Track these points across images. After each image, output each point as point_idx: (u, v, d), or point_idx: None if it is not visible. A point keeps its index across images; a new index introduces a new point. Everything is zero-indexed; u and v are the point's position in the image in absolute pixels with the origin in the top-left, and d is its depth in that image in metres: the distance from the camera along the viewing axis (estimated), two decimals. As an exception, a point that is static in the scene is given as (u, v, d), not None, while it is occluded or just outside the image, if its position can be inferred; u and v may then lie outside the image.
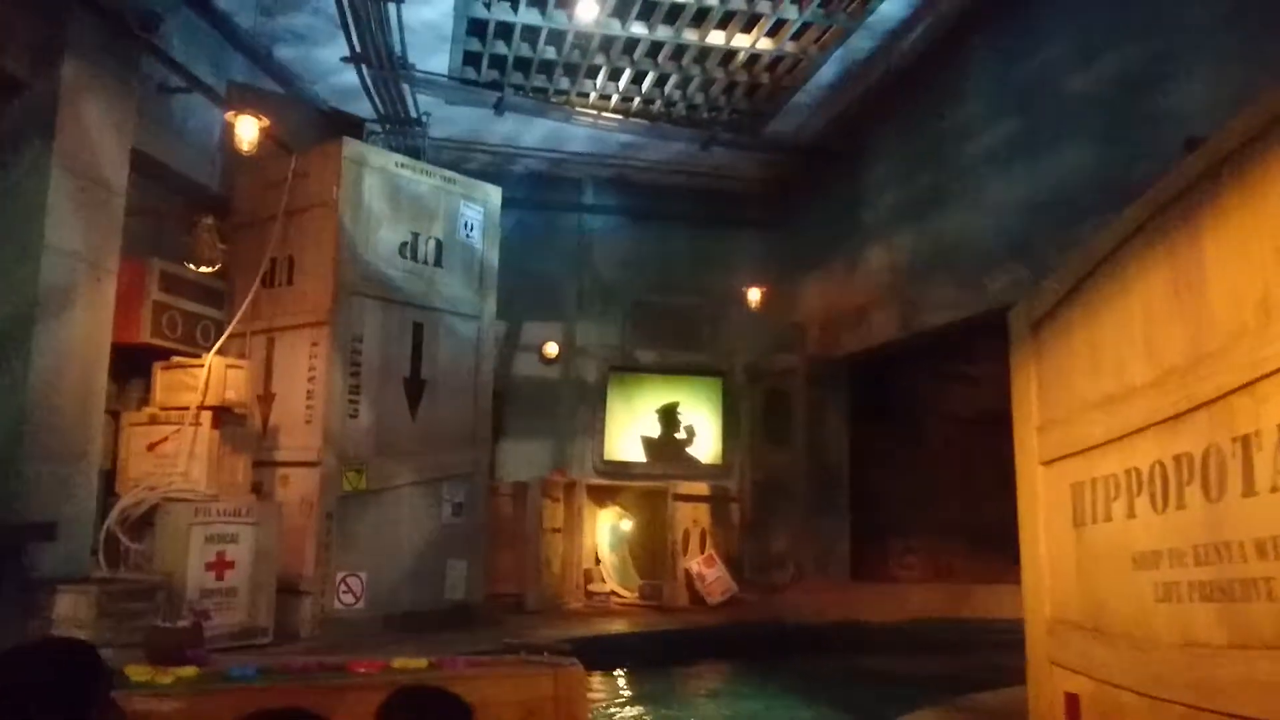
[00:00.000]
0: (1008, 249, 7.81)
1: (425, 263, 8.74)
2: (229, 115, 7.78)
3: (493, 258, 9.33)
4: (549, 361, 12.94)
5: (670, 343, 13.32)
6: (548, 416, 12.81)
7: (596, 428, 12.94)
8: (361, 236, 8.22)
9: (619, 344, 13.23)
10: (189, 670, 3.25)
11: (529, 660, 3.57)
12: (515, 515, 11.29)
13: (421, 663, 3.51)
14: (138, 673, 3.23)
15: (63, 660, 1.88)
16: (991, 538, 12.80)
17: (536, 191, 13.07)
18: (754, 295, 12.13)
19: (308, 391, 8.00)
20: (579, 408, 12.95)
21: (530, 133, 11.75)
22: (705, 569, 10.80)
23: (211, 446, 7.20)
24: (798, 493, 11.46)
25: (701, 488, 11.50)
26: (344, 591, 7.85)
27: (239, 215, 8.71)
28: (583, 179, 13.33)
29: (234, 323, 7.84)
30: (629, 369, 13.27)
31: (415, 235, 8.68)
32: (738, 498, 12.61)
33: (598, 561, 11.12)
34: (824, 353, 11.31)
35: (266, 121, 7.73)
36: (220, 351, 7.63)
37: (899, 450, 12.46)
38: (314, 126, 9.84)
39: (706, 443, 13.26)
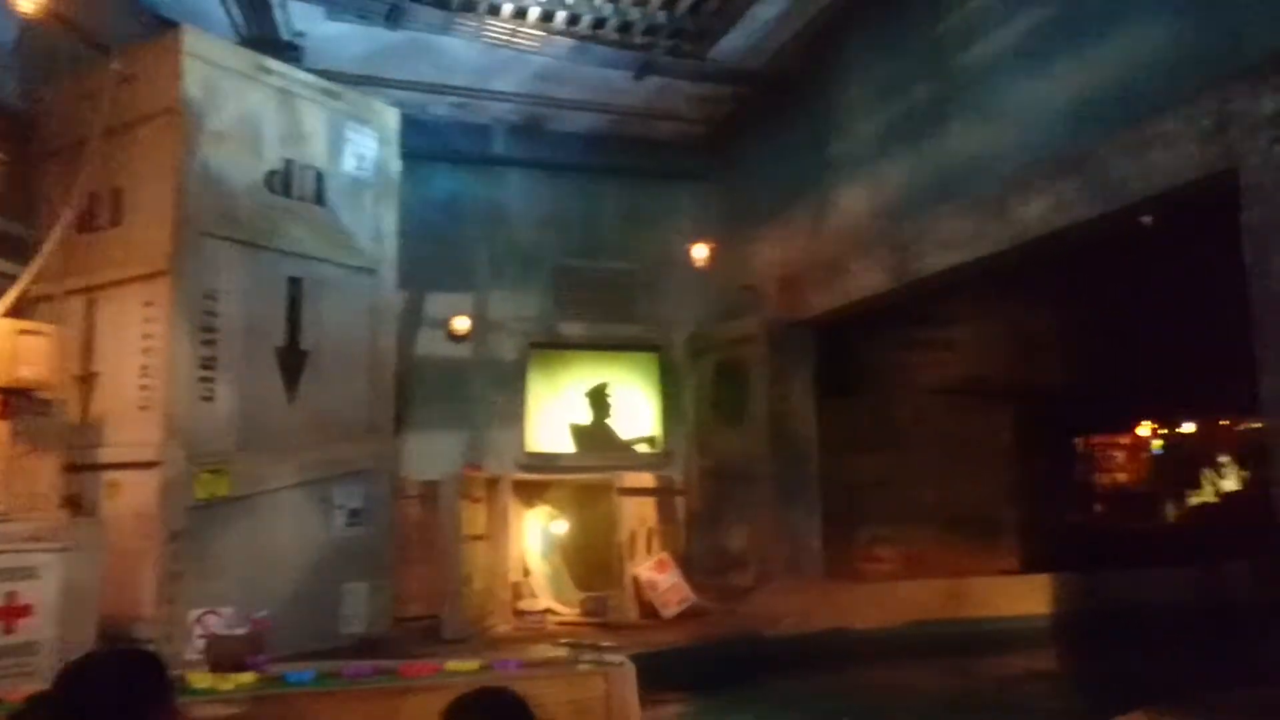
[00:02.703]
0: (1046, 165, 6.27)
1: (302, 199, 6.74)
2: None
3: (391, 196, 7.38)
4: (459, 338, 10.96)
5: (599, 314, 11.51)
6: (459, 403, 10.83)
7: (517, 414, 11.02)
8: (214, 160, 6.16)
9: (540, 316, 11.35)
10: (248, 676, 3.25)
11: (580, 660, 3.54)
12: (426, 521, 9.32)
13: (474, 664, 3.50)
14: (199, 679, 3.30)
15: (127, 668, 1.94)
16: (969, 523, 11.44)
17: (440, 140, 11.07)
18: (700, 253, 10.41)
19: (142, 367, 5.94)
20: (496, 392, 11.01)
21: (430, 65, 9.75)
22: (658, 575, 9.05)
23: (-4, 444, 5.11)
24: (758, 480, 9.79)
25: (647, 479, 9.75)
26: (200, 635, 5.77)
27: (47, 138, 6.54)
28: (493, 125, 11.38)
29: (28, 276, 5.66)
30: (552, 345, 11.40)
31: (288, 163, 6.67)
32: (683, 489, 10.89)
33: (527, 573, 9.24)
34: (787, 316, 9.67)
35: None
36: (15, 316, 5.49)
37: (866, 428, 10.95)
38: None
39: (644, 427, 11.50)
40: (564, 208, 11.60)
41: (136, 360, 5.92)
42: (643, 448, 11.33)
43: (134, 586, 5.58)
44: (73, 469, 5.85)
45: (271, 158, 6.53)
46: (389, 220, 7.35)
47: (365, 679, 3.30)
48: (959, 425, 11.37)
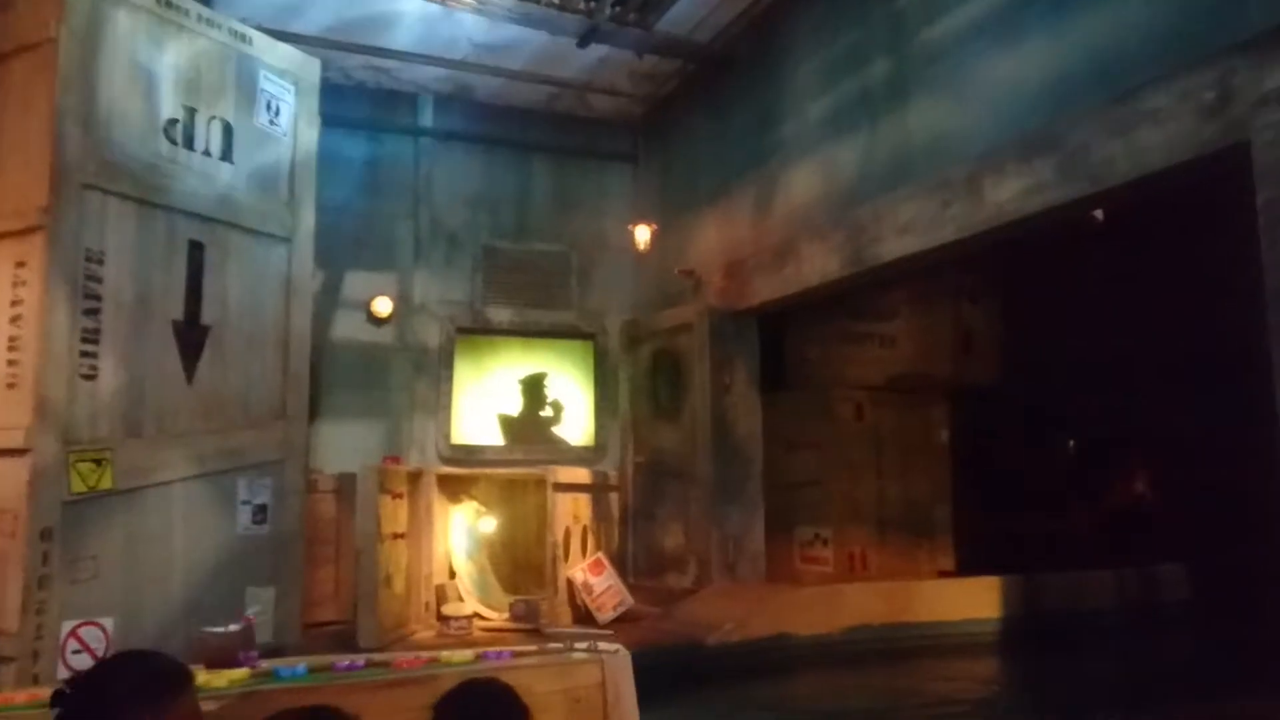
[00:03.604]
0: (1020, 144, 5.88)
1: (207, 153, 5.95)
2: None
3: (309, 157, 6.62)
4: (379, 322, 10.22)
5: (530, 299, 10.89)
6: (378, 390, 10.10)
7: (441, 404, 10.33)
8: (101, 101, 5.35)
9: (467, 300, 10.67)
10: (240, 672, 3.23)
11: (575, 649, 3.45)
12: (339, 518, 8.60)
13: (467, 655, 3.45)
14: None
15: (150, 668, 1.97)
16: (906, 523, 11.15)
17: (361, 107, 10.32)
18: (642, 235, 9.86)
19: (11, 339, 5.10)
20: (418, 379, 10.31)
21: (353, 23, 9.00)
22: (593, 577, 8.46)
23: None
24: (696, 477, 9.29)
25: (582, 475, 9.14)
26: (75, 651, 5.01)
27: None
28: (419, 94, 10.65)
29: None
30: (480, 331, 10.73)
31: (191, 112, 5.87)
32: (617, 485, 10.33)
33: (452, 575, 8.55)
34: (729, 304, 9.17)
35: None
36: None
37: (802, 424, 10.55)
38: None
39: (577, 420, 10.91)
40: (493, 186, 10.95)
41: (4, 331, 5.08)
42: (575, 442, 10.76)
43: (-6, 594, 4.78)
44: (-79, 457, 5.01)
45: (170, 105, 5.73)
46: (307, 184, 6.59)
47: (357, 672, 3.31)
48: (896, 422, 11.07)
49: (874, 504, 10.85)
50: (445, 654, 3.48)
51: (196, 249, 5.80)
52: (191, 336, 5.73)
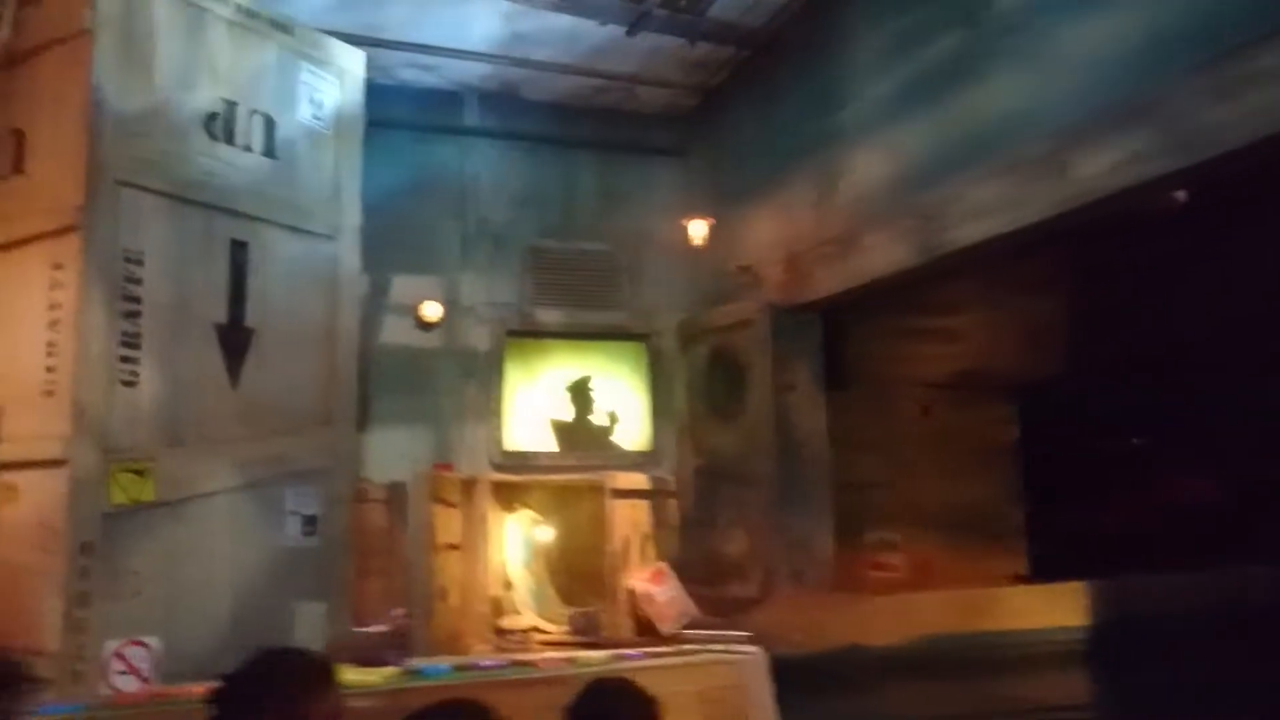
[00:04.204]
0: (1111, 115, 5.43)
1: (248, 148, 5.70)
2: None
3: (354, 153, 6.36)
4: (427, 326, 9.92)
5: (579, 300, 10.53)
6: (426, 396, 9.79)
7: (492, 409, 10.00)
8: (136, 95, 5.11)
9: (516, 302, 10.35)
10: (390, 670, 3.30)
11: (709, 650, 3.43)
12: (391, 528, 8.31)
13: (603, 655, 3.53)
14: (345, 674, 3.09)
15: (301, 662, 2.09)
16: (976, 526, 10.64)
17: (403, 108, 10.02)
18: (698, 231, 9.46)
19: (48, 345, 4.87)
20: (467, 384, 9.99)
21: (392, 19, 8.74)
22: (654, 587, 8.08)
23: None
24: (758, 480, 8.87)
25: (640, 480, 8.76)
26: (119, 671, 4.74)
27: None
28: (463, 92, 10.37)
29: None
30: (529, 334, 10.40)
31: (231, 106, 5.62)
32: (675, 491, 9.93)
33: (508, 586, 8.23)
34: (789, 299, 8.76)
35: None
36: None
37: (865, 424, 10.11)
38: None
39: (631, 423, 10.55)
40: (540, 184, 10.62)
41: (40, 335, 4.86)
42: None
43: (32, 612, 4.53)
44: (-40, 470, 4.79)
45: (210, 98, 5.49)
46: (351, 180, 6.33)
47: (498, 669, 3.37)
48: (963, 421, 10.59)
49: (942, 507, 10.39)
50: (582, 654, 3.60)
51: (238, 248, 5.54)
52: (235, 339, 5.48)
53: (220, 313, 5.46)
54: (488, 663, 3.45)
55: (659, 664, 3.36)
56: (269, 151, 5.78)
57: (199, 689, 2.96)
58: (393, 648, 3.65)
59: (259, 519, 5.58)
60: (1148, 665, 7.86)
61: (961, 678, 7.66)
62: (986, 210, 6.35)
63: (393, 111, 9.74)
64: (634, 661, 3.39)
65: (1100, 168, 5.50)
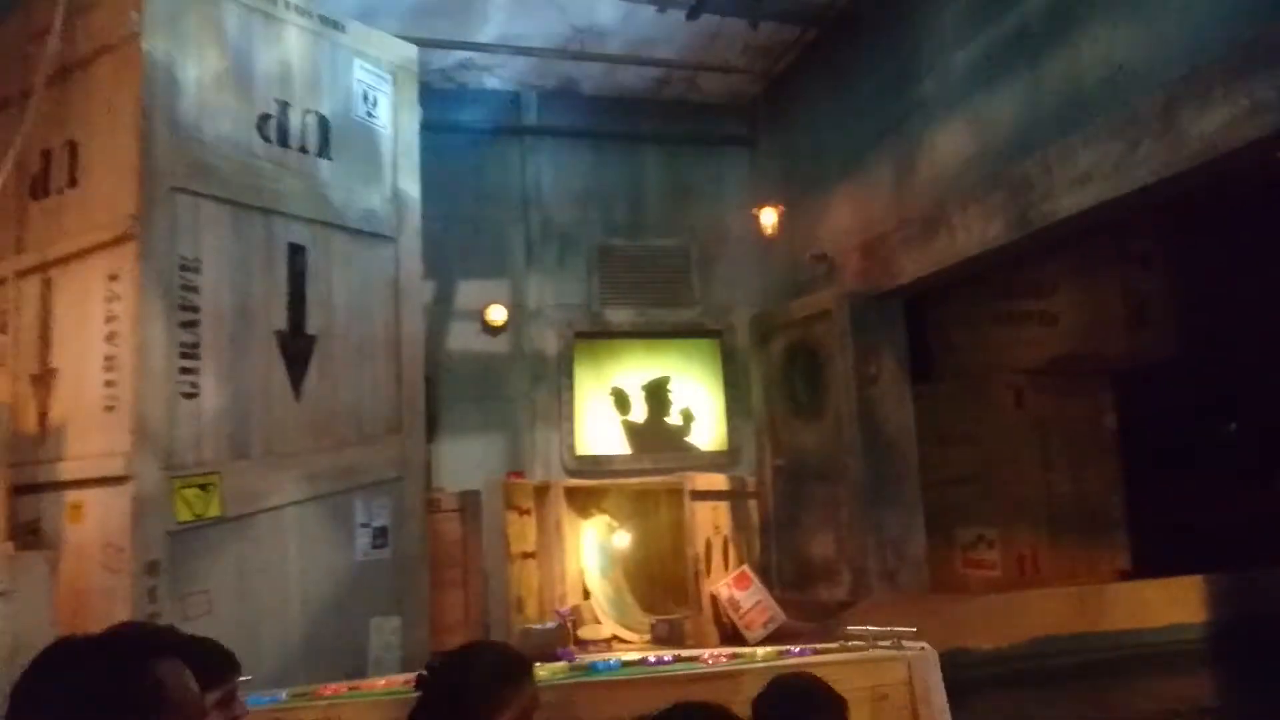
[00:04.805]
0: (1228, 62, 4.92)
1: (304, 150, 5.51)
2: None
3: (411, 150, 6.14)
4: (494, 330, 9.75)
5: (649, 298, 10.25)
6: (496, 402, 9.61)
7: (563, 413, 9.77)
8: (188, 97, 4.94)
9: (584, 303, 10.10)
10: (560, 665, 3.40)
11: (878, 646, 3.34)
12: (465, 538, 8.06)
13: (773, 651, 3.48)
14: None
15: (504, 655, 2.22)
16: (1077, 520, 10.02)
17: (461, 109, 9.88)
18: (769, 219, 9.10)
19: (107, 359, 4.71)
20: (537, 389, 9.78)
21: (443, 15, 8.54)
22: (739, 592, 7.73)
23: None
24: (845, 478, 8.45)
25: (719, 481, 8.44)
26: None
27: (-10, 90, 5.37)
28: (521, 91, 10.16)
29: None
30: (599, 335, 10.15)
31: (284, 107, 5.43)
32: (756, 491, 9.56)
33: (587, 595, 7.94)
34: (870, 287, 8.33)
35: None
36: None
37: (956, 415, 9.60)
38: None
39: (706, 423, 10.21)
40: (604, 181, 10.37)
41: (99, 349, 4.71)
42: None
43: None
44: (26, 490, 4.66)
45: (262, 99, 5.31)
46: (410, 179, 6.11)
47: (666, 665, 3.43)
48: (1061, 409, 9.98)
49: (1041, 500, 9.82)
50: (748, 650, 3.52)
51: (297, 253, 5.35)
52: (297, 347, 5.28)
53: (281, 320, 5.27)
54: (655, 659, 3.44)
55: (828, 659, 3.25)
56: (324, 151, 5.59)
57: (400, 679, 3.23)
58: (560, 643, 3.63)
59: (329, 532, 5.37)
60: (1275, 663, 7.24)
61: (1076, 681, 7.14)
62: (1090, 176, 5.86)
63: (452, 114, 9.61)
64: (802, 657, 3.32)
65: (1219, 122, 4.99)
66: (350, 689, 3.31)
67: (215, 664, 2.05)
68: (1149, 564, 9.74)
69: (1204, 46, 5.13)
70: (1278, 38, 4.72)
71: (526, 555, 7.20)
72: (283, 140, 5.40)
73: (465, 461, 9.03)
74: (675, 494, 7.78)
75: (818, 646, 3.42)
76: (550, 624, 3.57)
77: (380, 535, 5.65)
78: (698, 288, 10.34)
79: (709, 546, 7.79)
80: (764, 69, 9.82)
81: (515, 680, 2.13)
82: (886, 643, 3.33)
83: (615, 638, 7.49)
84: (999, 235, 6.72)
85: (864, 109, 8.54)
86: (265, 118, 5.32)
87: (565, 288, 10.06)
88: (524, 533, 7.23)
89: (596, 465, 9.59)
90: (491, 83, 9.94)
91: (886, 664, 3.29)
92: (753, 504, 9.50)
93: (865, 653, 3.29)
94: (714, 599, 7.66)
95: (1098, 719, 6.65)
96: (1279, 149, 4.91)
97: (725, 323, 10.30)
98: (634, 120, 10.34)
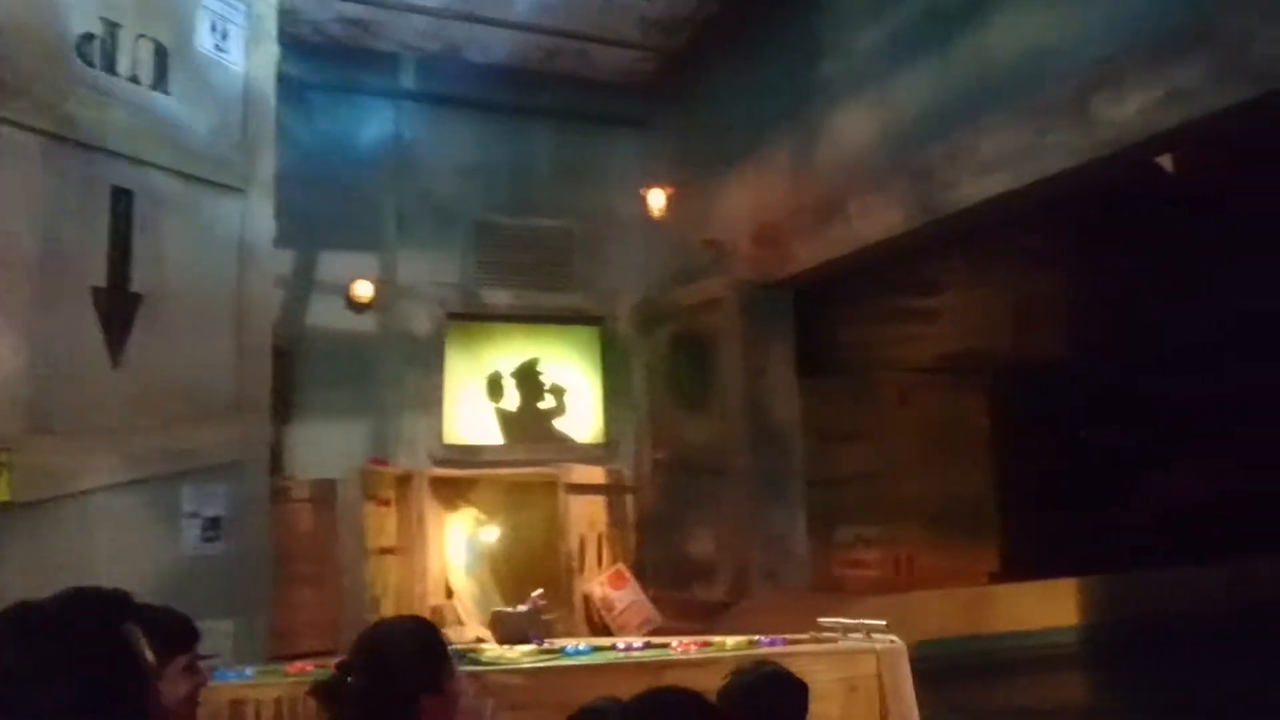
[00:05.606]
0: (1147, 47, 4.75)
1: (134, 80, 4.76)
2: None
3: (266, 91, 5.44)
4: (360, 307, 9.03)
5: (530, 280, 9.71)
6: (361, 384, 8.89)
7: (433, 398, 9.12)
8: (-12, 5, 4.15)
9: (459, 282, 9.48)
10: (529, 648, 3.52)
11: (850, 639, 3.42)
12: (318, 531, 7.40)
13: (743, 640, 3.50)
14: (488, 651, 3.68)
15: (420, 635, 2.12)
16: (951, 521, 9.99)
17: (333, 69, 9.09)
18: (657, 200, 8.68)
19: None
20: (406, 371, 9.10)
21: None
22: (613, 591, 7.31)
23: None
24: (729, 474, 8.13)
25: (597, 474, 8.00)
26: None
27: None
28: (401, 53, 9.45)
29: None
30: (474, 316, 9.57)
31: (112, 28, 4.67)
32: (634, 486, 9.15)
33: (451, 594, 7.35)
34: (762, 275, 8.02)
35: None
36: None
37: (841, 412, 9.41)
38: None
39: (585, 414, 9.73)
40: (487, 155, 9.76)
41: None
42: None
43: None
44: None
45: (84, 17, 4.54)
46: (263, 125, 5.41)
47: (638, 652, 3.42)
48: (943, 408, 9.93)
49: (920, 500, 9.73)
50: (718, 639, 3.57)
51: (123, 197, 4.61)
52: (117, 306, 4.55)
53: (100, 274, 4.52)
54: (625, 644, 3.50)
55: (799, 650, 3.30)
56: (160, 85, 4.84)
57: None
58: (531, 627, 3.69)
59: (149, 523, 4.66)
60: (1146, 664, 7.27)
61: (959, 683, 6.99)
62: (998, 164, 5.66)
63: (324, 72, 8.83)
64: (773, 647, 3.38)
65: (1135, 108, 4.82)
66: (318, 665, 3.34)
67: (180, 631, 2.05)
68: (1018, 567, 9.80)
69: (1121, 33, 4.96)
70: (1195, 25, 4.55)
71: (386, 550, 6.59)
72: (109, 67, 4.64)
73: (324, 448, 8.31)
74: (549, 487, 7.29)
75: (791, 637, 3.46)
76: (523, 607, 3.74)
77: (213, 526, 4.96)
78: (581, 272, 9.86)
79: (583, 543, 7.35)
80: (660, 45, 9.40)
81: (440, 669, 2.04)
82: (859, 635, 3.37)
83: (480, 640, 6.93)
84: (898, 224, 6.49)
85: (763, 90, 8.22)
86: (88, 38, 4.56)
87: (440, 265, 9.43)
88: (384, 526, 6.62)
89: (467, 455, 8.99)
90: (370, 42, 9.21)
91: (857, 657, 3.33)
92: (630, 499, 9.10)
93: (838, 645, 3.35)
94: (587, 598, 7.19)
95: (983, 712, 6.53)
96: (1192, 139, 4.76)
97: (608, 309, 9.85)
98: (522, 92, 9.76)
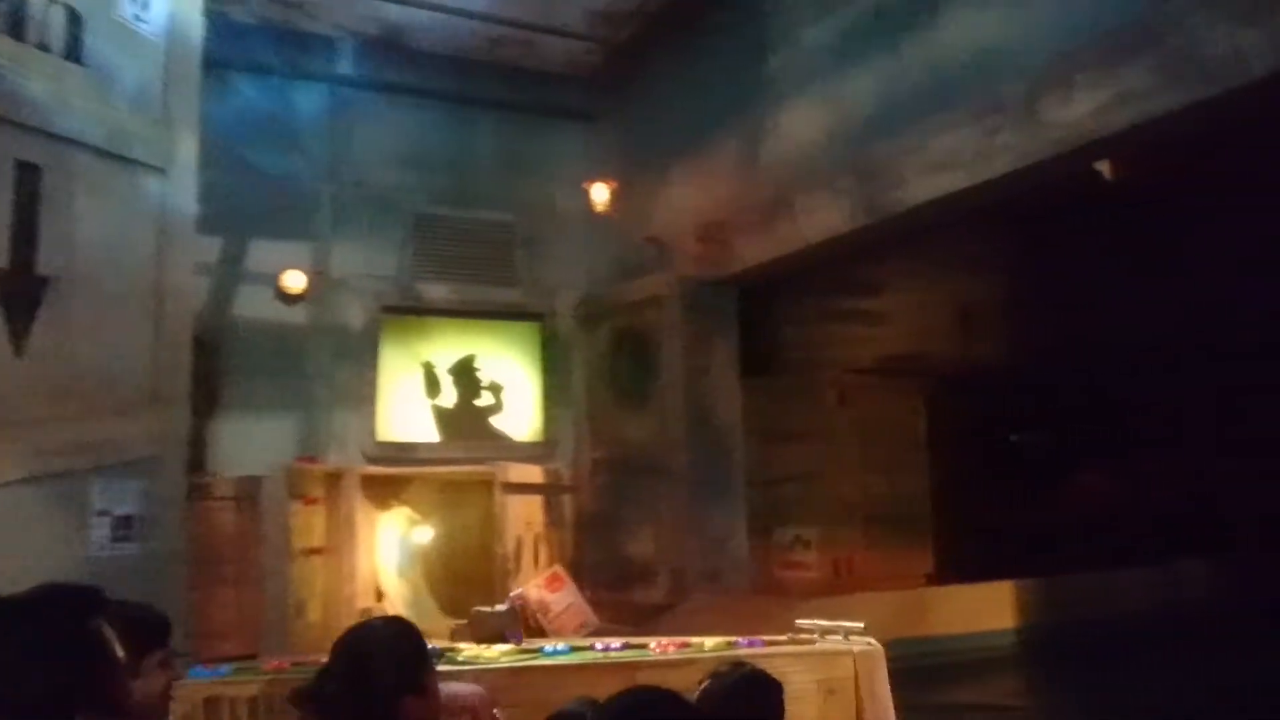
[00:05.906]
0: (1098, 49, 4.72)
1: (44, 47, 4.45)
2: None
3: (190, 65, 5.15)
4: (291, 298, 8.71)
5: (469, 274, 9.47)
6: (290, 379, 8.57)
7: (366, 394, 8.83)
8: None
9: (395, 275, 9.21)
10: (507, 647, 3.49)
11: (828, 641, 3.42)
12: (242, 530, 7.08)
13: (721, 641, 3.50)
14: (464, 651, 3.58)
15: (400, 637, 2.09)
16: (893, 522, 10.04)
17: (266, 50, 8.73)
18: (600, 195, 8.52)
19: None
20: (338, 366, 8.80)
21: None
22: (549, 594, 7.05)
23: None
24: (669, 473, 7.99)
25: (534, 474, 7.80)
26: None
27: None
28: (337, 36, 9.13)
29: None
30: (410, 310, 9.30)
31: (21, -8, 4.35)
32: (572, 485, 8.97)
33: (381, 597, 7.10)
34: (705, 272, 7.90)
35: None
36: None
37: (783, 413, 9.38)
38: None
39: (523, 412, 9.51)
40: (427, 145, 9.50)
41: None
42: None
43: None
44: None
45: (-10, -23, 4.23)
46: (187, 101, 5.12)
47: (615, 652, 3.43)
48: (882, 410, 9.96)
49: (859, 502, 9.77)
50: (697, 640, 3.57)
51: (29, 172, 4.30)
52: (21, 290, 4.24)
53: (1, 255, 4.20)
54: (604, 644, 3.51)
55: (777, 652, 3.29)
56: (73, 54, 4.53)
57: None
58: (509, 627, 3.67)
59: (52, 521, 4.35)
60: (1080, 670, 7.33)
61: (901, 685, 6.96)
62: (946, 163, 5.61)
63: (255, 54, 8.49)
64: (753, 648, 3.37)
65: (1084, 109, 4.80)
66: (294, 664, 3.32)
67: (155, 626, 2.05)
68: (952, 568, 9.86)
69: (1073, 33, 4.94)
70: (1145, 27, 4.53)
71: (312, 551, 6.32)
72: (15, 32, 4.32)
73: (251, 443, 7.98)
74: (485, 486, 7.10)
75: (770, 639, 3.44)
76: (502, 607, 3.80)
77: (124, 525, 4.66)
78: (522, 266, 9.65)
79: (520, 544, 7.16)
80: (606, 37, 9.23)
81: (422, 670, 2.04)
82: (837, 637, 3.37)
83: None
84: (844, 223, 6.42)
85: (710, 85, 8.11)
86: (-8, 1, 4.24)
87: (376, 257, 9.14)
88: (311, 525, 6.35)
89: (400, 452, 8.72)
90: (306, 24, 8.87)
91: (834, 658, 3.33)
92: (568, 499, 8.92)
93: (816, 646, 3.34)
94: (523, 602, 6.97)
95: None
96: (1142, 140, 4.75)
97: (548, 306, 9.66)
98: (465, 81, 9.51)
